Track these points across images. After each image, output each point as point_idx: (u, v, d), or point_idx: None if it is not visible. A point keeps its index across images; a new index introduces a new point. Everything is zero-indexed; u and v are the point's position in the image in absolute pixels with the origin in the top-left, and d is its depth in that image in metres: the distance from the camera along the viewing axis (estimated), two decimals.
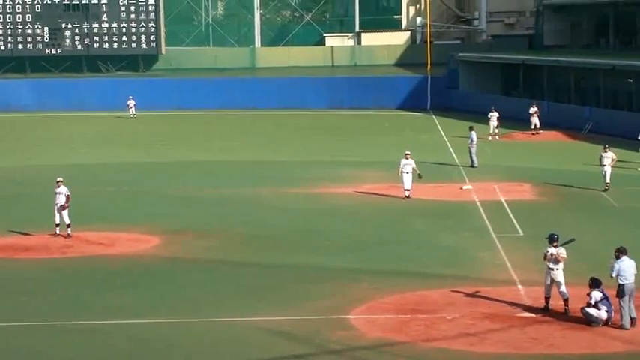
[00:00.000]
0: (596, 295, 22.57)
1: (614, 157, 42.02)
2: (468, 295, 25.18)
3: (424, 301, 24.89)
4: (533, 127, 62.98)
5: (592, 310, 22.51)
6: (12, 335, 22.67)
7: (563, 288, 23.55)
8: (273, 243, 32.38)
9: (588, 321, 22.53)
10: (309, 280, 27.27)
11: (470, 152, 48.94)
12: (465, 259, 29.78)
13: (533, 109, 63.44)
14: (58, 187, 33.35)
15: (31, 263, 29.98)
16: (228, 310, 24.26)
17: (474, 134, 49.22)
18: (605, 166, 41.52)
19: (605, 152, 41.94)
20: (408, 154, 40.27)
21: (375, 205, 39.13)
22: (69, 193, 33.23)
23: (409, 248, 31.54)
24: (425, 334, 22.17)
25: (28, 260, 30.33)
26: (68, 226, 32.92)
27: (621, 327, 22.27)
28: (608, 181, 41.34)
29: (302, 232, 34.04)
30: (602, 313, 22.43)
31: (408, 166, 39.81)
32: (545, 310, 23.64)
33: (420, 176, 40.19)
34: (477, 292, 25.40)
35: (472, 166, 48.41)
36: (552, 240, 23.96)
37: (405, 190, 39.89)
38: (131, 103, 75.45)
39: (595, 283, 22.76)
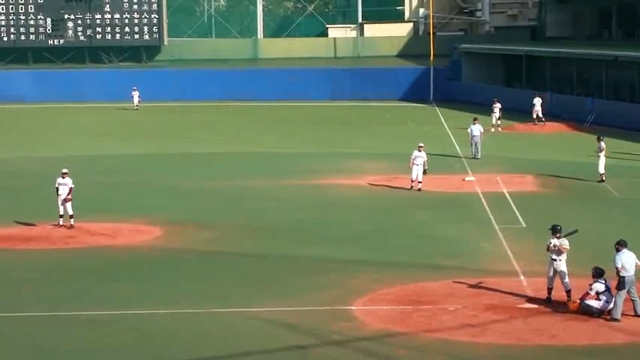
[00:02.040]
0: (599, 287, 22.52)
1: (602, 147, 41.92)
2: (470, 286, 25.16)
3: (426, 292, 24.88)
4: (535, 116, 63.19)
5: (593, 302, 22.47)
6: (14, 326, 22.67)
7: (566, 279, 23.52)
8: (275, 234, 32.37)
9: (589, 313, 22.47)
10: (310, 272, 27.26)
11: (475, 143, 48.66)
12: (468, 251, 29.77)
13: (537, 100, 63.64)
14: (63, 178, 33.33)
15: (32, 254, 29.97)
16: (230, 302, 24.26)
17: (480, 126, 49.12)
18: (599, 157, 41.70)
19: (599, 143, 42.06)
20: (421, 147, 40.24)
21: (377, 197, 39.11)
22: (72, 185, 33.21)
23: (411, 239, 31.52)
24: (427, 325, 22.16)
25: (30, 251, 30.32)
26: (71, 217, 32.92)
27: (612, 319, 22.25)
28: (601, 171, 41.30)
29: (304, 224, 34.02)
30: (603, 304, 22.40)
31: (419, 158, 39.76)
32: (548, 302, 23.62)
33: (425, 171, 40.07)
34: (479, 283, 25.38)
35: (476, 158, 48.27)
36: (555, 231, 23.92)
37: (412, 180, 39.84)
38: (135, 94, 75.41)
39: (598, 273, 22.71)
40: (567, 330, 21.78)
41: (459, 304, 23.66)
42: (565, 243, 23.71)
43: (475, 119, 49.72)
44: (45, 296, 25.03)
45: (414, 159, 39.80)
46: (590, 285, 22.63)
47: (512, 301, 23.93)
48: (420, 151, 40.01)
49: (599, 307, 22.43)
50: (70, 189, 33.08)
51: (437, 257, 28.92)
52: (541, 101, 63.81)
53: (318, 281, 26.16)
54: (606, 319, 22.27)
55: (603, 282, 22.59)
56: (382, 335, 21.57)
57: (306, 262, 28.52)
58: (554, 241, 23.75)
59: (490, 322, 22.35)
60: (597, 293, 22.48)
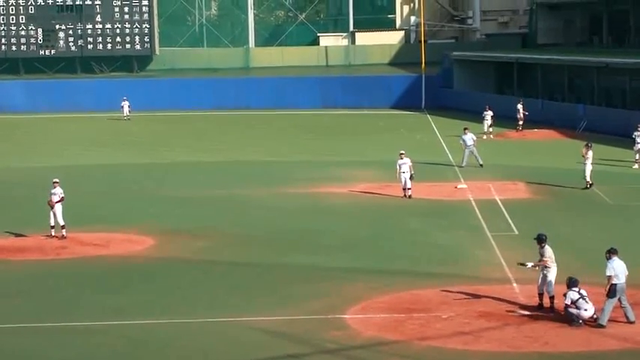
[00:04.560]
0: (573, 295, 22.56)
1: (586, 154, 41.88)
2: (463, 293, 25.18)
3: (419, 300, 24.89)
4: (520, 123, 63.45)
5: (573, 310, 22.53)
6: (6, 337, 22.63)
7: (551, 287, 23.63)
8: (267, 243, 32.36)
9: (569, 320, 22.52)
10: (304, 280, 27.26)
11: (471, 152, 48.34)
12: (460, 258, 29.79)
13: (520, 106, 63.84)
14: (54, 187, 33.35)
15: (25, 265, 29.93)
16: (224, 311, 24.25)
17: (471, 135, 48.87)
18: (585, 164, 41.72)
19: (587, 150, 42.09)
20: (402, 154, 40.23)
21: (369, 205, 39.11)
22: (63, 195, 33.22)
23: (404, 247, 31.53)
24: (420, 333, 22.17)
25: (23, 262, 30.27)
26: (63, 227, 32.89)
27: (598, 325, 22.28)
28: (588, 179, 41.36)
29: (296, 232, 34.01)
30: (582, 312, 22.45)
31: (404, 165, 39.78)
32: (540, 308, 23.67)
33: (411, 176, 40.00)
34: (472, 290, 25.38)
35: (480, 165, 47.89)
36: (541, 240, 24.11)
37: (403, 189, 39.83)
38: (125, 104, 75.27)
39: (573, 283, 22.76)
40: (560, 337, 21.82)
41: (452, 311, 23.68)
42: (546, 255, 23.83)
43: (465, 129, 49.47)
44: (38, 307, 24.99)
45: (399, 168, 39.82)
46: (564, 294, 22.66)
47: (505, 308, 23.96)
48: (402, 158, 39.99)
49: (577, 314, 22.41)
50: (61, 198, 33.08)
51: (430, 265, 28.93)
52: (521, 107, 63.92)
53: (311, 289, 26.16)
54: (593, 326, 22.31)
55: (577, 290, 22.61)
56: (375, 343, 21.57)
57: (299, 270, 28.52)
58: (529, 265, 24.14)
59: (483, 329, 22.37)
60: (572, 302, 22.49)
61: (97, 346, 21.76)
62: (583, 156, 41.94)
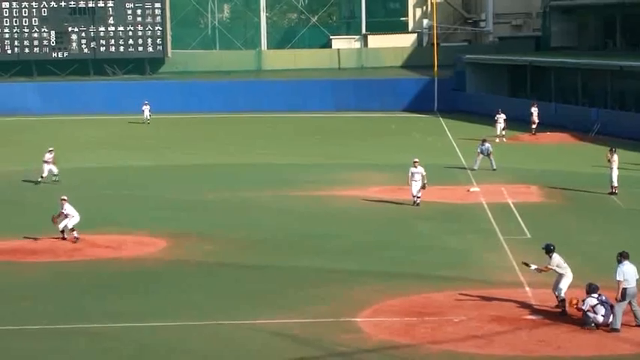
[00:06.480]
0: (591, 301, 22.51)
1: (612, 159, 41.54)
2: (475, 297, 25.09)
3: (431, 303, 24.80)
4: (534, 126, 63.19)
5: (591, 315, 22.47)
6: (16, 339, 22.61)
7: (561, 291, 23.65)
8: (277, 246, 32.30)
9: (583, 322, 22.51)
10: (313, 283, 27.17)
11: (489, 157, 48.05)
12: (472, 262, 29.68)
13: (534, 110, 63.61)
14: (62, 205, 33.06)
15: (37, 267, 29.92)
16: (233, 314, 24.19)
17: (489, 145, 48.58)
18: (612, 169, 41.28)
19: (612, 155, 41.64)
20: (416, 162, 39.60)
21: (380, 208, 39.01)
22: (69, 212, 32.95)
23: (415, 251, 31.43)
24: (431, 337, 22.09)
25: (35, 264, 30.27)
26: (72, 230, 32.76)
27: (612, 329, 22.21)
28: (615, 184, 40.98)
29: (306, 236, 33.93)
30: (597, 317, 22.40)
31: (417, 174, 39.26)
32: (559, 306, 23.68)
33: (423, 186, 39.45)
34: (484, 294, 25.29)
35: (493, 169, 47.76)
36: (548, 250, 24.07)
37: (414, 196, 39.37)
38: (146, 108, 74.92)
39: (592, 289, 22.72)
40: (573, 341, 21.71)
41: (464, 315, 23.59)
42: (551, 264, 23.83)
43: (484, 140, 49.02)
44: (47, 309, 24.96)
45: (411, 176, 39.34)
46: (583, 300, 22.60)
47: (517, 312, 23.86)
48: (415, 166, 39.44)
49: (599, 321, 22.36)
50: (67, 215, 32.86)
51: (441, 268, 28.83)
52: (537, 110, 63.69)
53: (322, 293, 26.08)
54: (606, 331, 22.20)
55: (596, 296, 22.54)
56: (387, 347, 21.50)
57: (309, 273, 28.44)
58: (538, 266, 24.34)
59: (495, 333, 22.28)
60: (592, 307, 22.45)
61: (105, 350, 21.72)
62: (609, 160, 41.46)
